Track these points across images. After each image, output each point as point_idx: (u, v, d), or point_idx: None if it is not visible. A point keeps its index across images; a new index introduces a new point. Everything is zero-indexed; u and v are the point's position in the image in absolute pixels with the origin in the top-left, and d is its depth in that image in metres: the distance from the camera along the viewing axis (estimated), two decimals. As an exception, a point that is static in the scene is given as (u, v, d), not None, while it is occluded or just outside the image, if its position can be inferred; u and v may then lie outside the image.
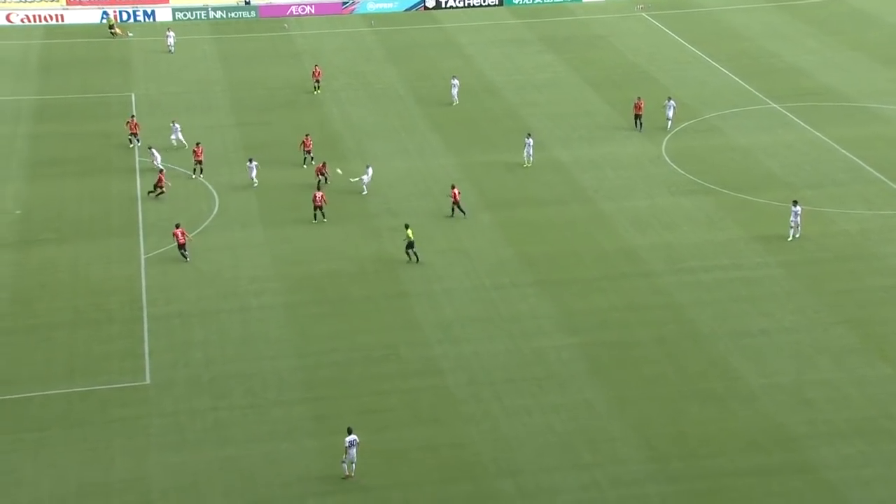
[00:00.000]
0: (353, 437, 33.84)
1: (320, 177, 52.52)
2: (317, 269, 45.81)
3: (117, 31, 74.42)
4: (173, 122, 56.55)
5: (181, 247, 46.07)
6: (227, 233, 48.43)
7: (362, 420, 35.98)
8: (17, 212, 50.17)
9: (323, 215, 49.20)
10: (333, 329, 41.62)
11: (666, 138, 58.88)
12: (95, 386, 37.85)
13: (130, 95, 64.32)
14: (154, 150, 54.25)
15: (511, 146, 56.86)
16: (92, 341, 40.41)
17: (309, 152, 54.78)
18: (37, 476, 33.83)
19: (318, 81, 64.46)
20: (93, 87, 65.52)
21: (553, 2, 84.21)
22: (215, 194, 52.15)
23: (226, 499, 33.25)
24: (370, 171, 52.59)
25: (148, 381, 38.21)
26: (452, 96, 62.83)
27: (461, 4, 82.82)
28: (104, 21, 75.85)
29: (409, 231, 45.92)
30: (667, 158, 56.65)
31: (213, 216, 50.06)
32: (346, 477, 33.95)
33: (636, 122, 59.62)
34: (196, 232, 48.39)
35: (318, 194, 49.11)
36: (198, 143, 54.06)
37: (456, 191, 49.91)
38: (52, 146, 57.23)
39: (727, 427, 36.42)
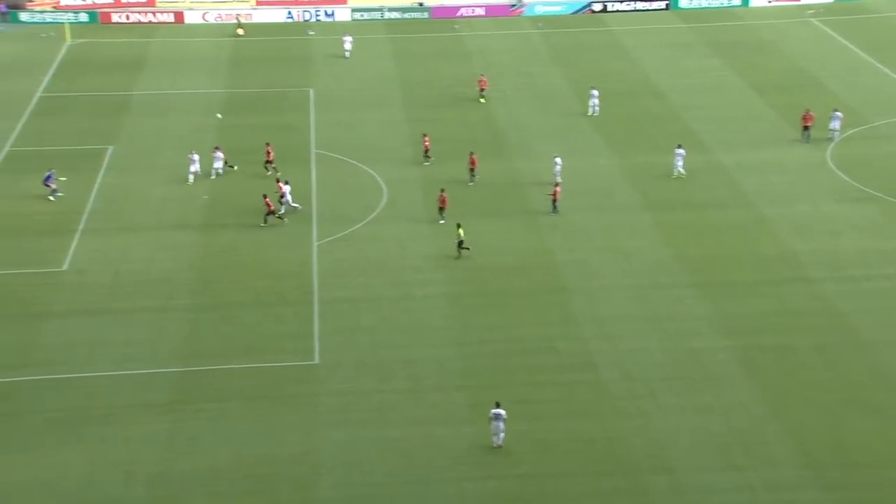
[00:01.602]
0: (499, 410, 34.18)
1: (472, 171, 52.68)
2: (479, 262, 46.03)
3: (241, 31, 76.24)
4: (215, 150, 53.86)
5: (271, 213, 48.04)
6: (395, 224, 49.08)
7: (518, 410, 36.01)
8: (205, 197, 52.02)
9: (442, 216, 49.06)
10: (493, 320, 41.78)
11: (832, 145, 56.66)
12: (270, 363, 39.08)
13: (309, 91, 65.84)
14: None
15: (674, 148, 55.74)
16: (267, 321, 41.69)
17: (426, 152, 55.07)
18: (216, 444, 35.17)
19: (483, 90, 64.27)
20: (275, 83, 67.30)
21: (721, 6, 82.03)
22: (384, 187, 52.96)
23: (388, 477, 33.85)
24: (559, 160, 52.38)
25: (317, 361, 39.16)
26: (591, 107, 61.09)
27: (628, 8, 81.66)
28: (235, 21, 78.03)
29: (461, 230, 45.75)
30: (832, 165, 54.50)
31: (381, 208, 50.85)
32: (497, 447, 34.41)
33: (804, 134, 57.43)
34: (365, 222, 49.23)
35: (444, 196, 48.90)
36: (268, 143, 54.74)
37: (558, 189, 49.66)
38: (237, 136, 59.03)
39: (889, 438, 34.85)
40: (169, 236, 48.19)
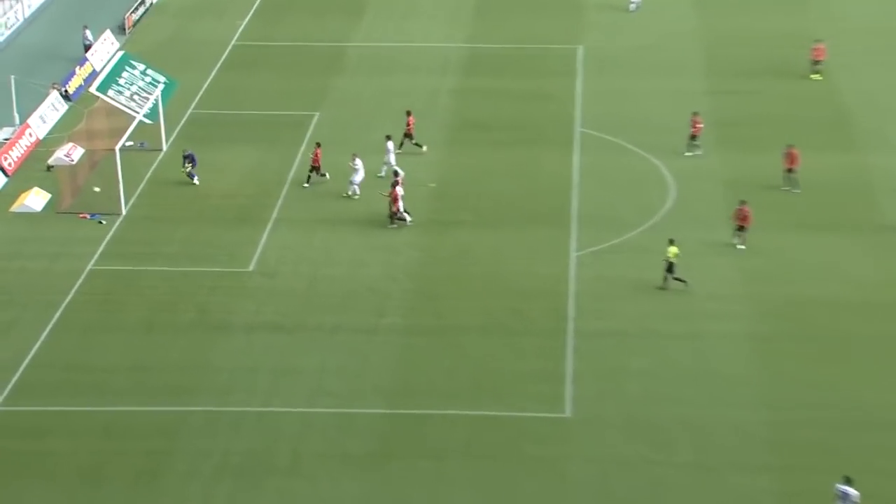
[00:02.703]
0: (847, 488, 32.90)
1: (790, 171, 50.89)
2: (801, 292, 44.61)
3: None
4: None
5: (395, 214, 48.52)
6: (684, 233, 47.74)
7: (856, 506, 34.15)
8: (432, 185, 52.70)
9: (739, 236, 47.49)
10: (820, 376, 40.26)
11: None
12: (504, 411, 38.91)
13: (576, 49, 65.78)
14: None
15: None
16: (504, 354, 41.65)
17: (694, 137, 53.90)
18: (433, 514, 35.48)
19: (817, 62, 61.50)
20: (532, 37, 67.62)
21: None
22: (671, 180, 52.33)
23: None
24: None
25: (568, 413, 38.84)
26: None
27: None
28: None
29: (673, 248, 44.08)
30: None
31: (666, 210, 50.21)
32: None
33: None
34: (642, 229, 48.71)
35: (745, 209, 47.04)
36: (409, 112, 54.77)
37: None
38: (480, 106, 59.58)
39: None
40: (382, 234, 48.94)
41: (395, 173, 50.06)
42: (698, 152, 54.14)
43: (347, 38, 67.73)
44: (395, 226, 48.95)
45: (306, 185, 52.31)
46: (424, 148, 54.76)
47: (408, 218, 49.11)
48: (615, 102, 59.49)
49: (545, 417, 38.63)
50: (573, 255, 47.22)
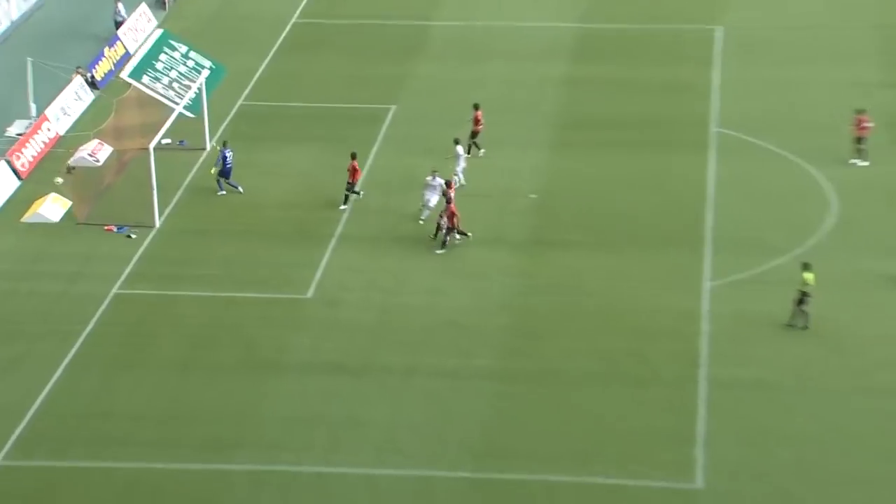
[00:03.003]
0: None
1: None
2: None
3: None
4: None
5: (451, 228, 48.92)
6: (849, 260, 47.83)
7: None
8: (533, 195, 52.67)
9: None
10: None
11: None
12: (619, 479, 38.21)
13: (714, 30, 66.02)
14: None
15: None
16: (621, 408, 41.20)
17: (859, 140, 53.47)
18: None
19: None
20: (659, 15, 68.23)
21: None
22: (831, 194, 51.96)
23: None
24: None
25: (700, 484, 38.12)
26: None
27: None
28: None
29: (809, 275, 43.87)
30: None
31: (826, 230, 49.76)
32: None
33: None
34: (795, 253, 48.04)
35: None
36: (476, 107, 55.11)
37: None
38: (594, 99, 59.84)
39: None
40: (467, 256, 49.06)
41: (448, 183, 50.12)
42: (865, 160, 53.59)
43: (432, 16, 68.60)
44: (467, 237, 49.14)
45: (343, 206, 52.10)
46: (482, 151, 55.14)
47: (457, 237, 49.34)
48: (761, 96, 59.68)
49: (671, 489, 38.02)
50: (707, 285, 47.16)
